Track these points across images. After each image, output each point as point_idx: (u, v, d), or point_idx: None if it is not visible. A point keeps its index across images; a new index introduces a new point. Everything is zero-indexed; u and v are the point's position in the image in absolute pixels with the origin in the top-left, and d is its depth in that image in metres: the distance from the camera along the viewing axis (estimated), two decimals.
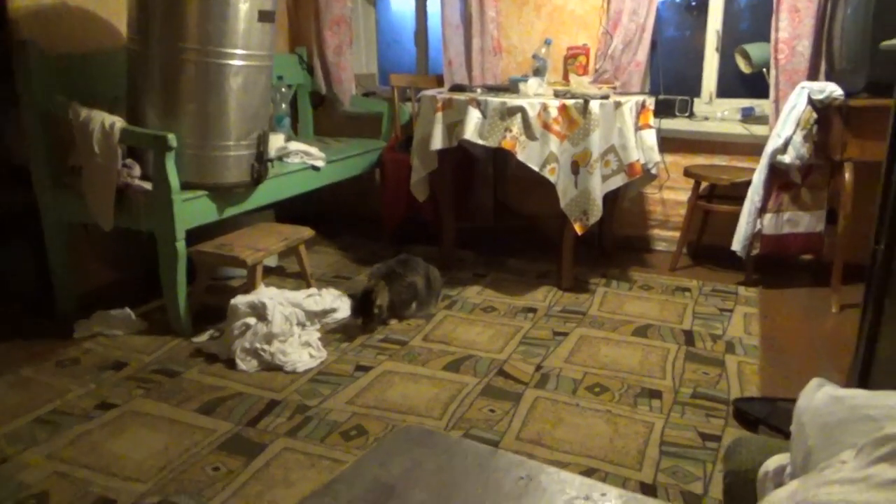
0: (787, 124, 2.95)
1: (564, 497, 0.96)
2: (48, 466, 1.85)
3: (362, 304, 2.67)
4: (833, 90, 2.82)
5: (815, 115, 2.90)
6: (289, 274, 3.38)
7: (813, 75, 3.16)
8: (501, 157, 3.84)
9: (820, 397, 0.90)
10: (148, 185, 2.57)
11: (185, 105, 2.58)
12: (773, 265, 3.41)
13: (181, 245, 2.56)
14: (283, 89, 3.79)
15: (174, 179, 2.50)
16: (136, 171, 2.63)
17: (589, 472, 1.84)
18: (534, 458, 1.79)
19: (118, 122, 2.53)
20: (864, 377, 1.73)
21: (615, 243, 3.74)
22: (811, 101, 2.88)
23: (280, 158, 3.25)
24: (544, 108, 2.84)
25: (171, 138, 2.46)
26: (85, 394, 2.24)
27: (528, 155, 2.86)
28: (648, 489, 1.78)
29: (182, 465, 1.86)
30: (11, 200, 2.88)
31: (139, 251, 3.13)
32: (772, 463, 0.94)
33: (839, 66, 2.95)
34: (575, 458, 1.91)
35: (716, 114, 3.56)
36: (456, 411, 2.14)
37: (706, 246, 3.63)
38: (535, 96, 3.02)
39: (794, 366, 2.47)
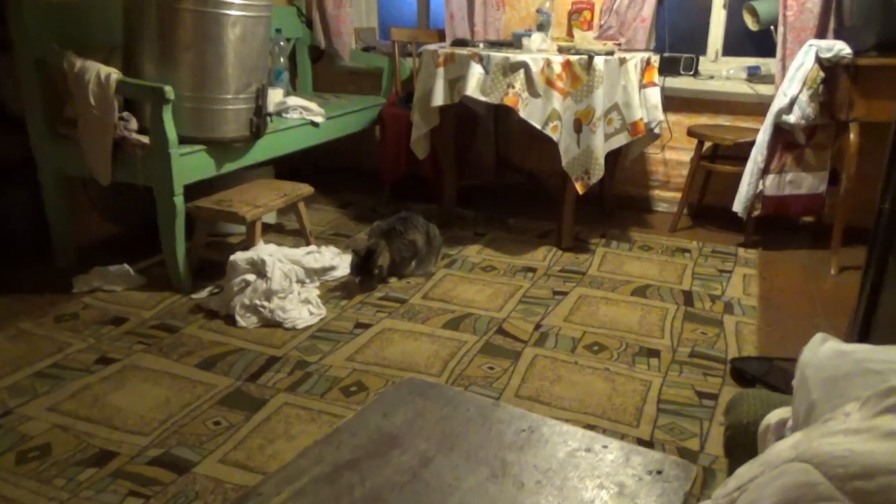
0: (793, 83, 2.91)
1: (566, 448, 0.97)
2: (49, 419, 1.86)
3: (363, 263, 2.66)
4: (841, 48, 2.77)
5: (822, 74, 2.85)
6: (288, 231, 3.37)
7: (821, 33, 3.10)
8: (503, 114, 3.79)
9: (824, 351, 0.89)
10: (145, 139, 2.53)
11: (182, 56, 2.53)
12: (774, 226, 3.40)
13: (179, 200, 2.54)
14: (282, 43, 3.71)
15: (171, 133, 2.47)
16: (133, 124, 2.59)
17: (587, 429, 1.86)
18: None
19: (114, 74, 2.48)
20: (863, 336, 1.73)
21: (616, 203, 3.72)
22: (819, 60, 2.83)
23: (279, 113, 3.20)
24: (548, 63, 2.79)
25: (168, 90, 2.42)
26: (85, 348, 2.24)
27: (531, 112, 2.82)
28: (646, 445, 1.80)
29: (183, 419, 1.87)
30: (7, 151, 2.85)
31: (138, 205, 3.11)
32: (773, 416, 0.94)
33: (849, 23, 2.90)
34: (573, 415, 1.92)
35: (721, 72, 3.51)
36: (455, 368, 2.16)
37: (707, 207, 3.61)
38: (539, 52, 2.96)
39: (792, 326, 2.48)
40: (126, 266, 2.73)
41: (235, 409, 1.92)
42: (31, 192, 2.85)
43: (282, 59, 3.69)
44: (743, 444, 0.99)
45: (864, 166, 2.82)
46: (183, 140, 2.54)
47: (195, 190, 2.68)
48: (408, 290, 2.72)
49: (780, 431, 0.92)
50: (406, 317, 2.49)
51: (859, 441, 0.66)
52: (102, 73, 2.48)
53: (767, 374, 2.06)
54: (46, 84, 2.65)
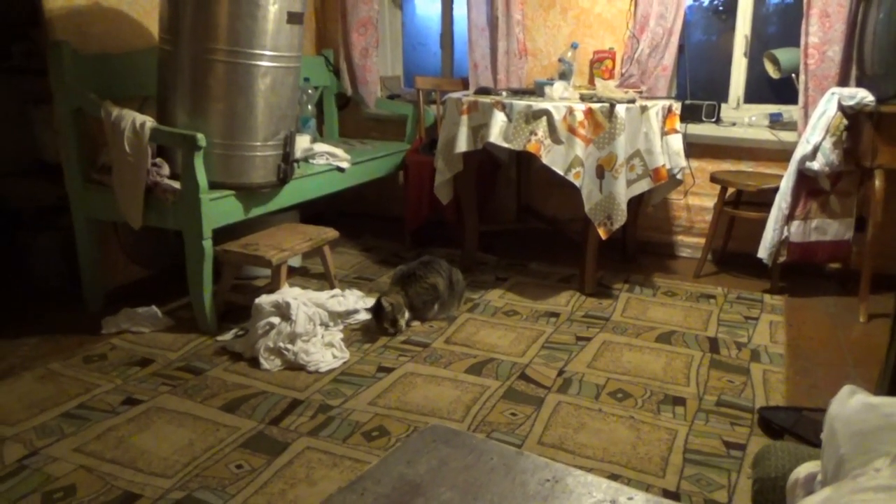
0: (816, 130, 2.91)
1: (591, 500, 0.96)
2: (75, 460, 1.88)
3: (376, 311, 2.69)
4: (864, 96, 2.78)
5: (845, 122, 2.86)
6: (313, 274, 3.41)
7: (843, 81, 3.12)
8: (525, 160, 3.84)
9: (853, 404, 0.89)
10: (176, 184, 2.60)
11: (214, 105, 2.61)
12: (800, 273, 3.36)
13: (208, 244, 2.59)
14: (310, 91, 3.82)
15: (202, 179, 2.53)
16: (165, 169, 2.67)
17: (611, 479, 1.83)
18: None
19: (148, 122, 2.57)
20: (893, 387, 1.70)
21: (639, 248, 3.72)
22: (841, 107, 2.84)
23: (306, 159, 3.27)
24: (570, 111, 2.83)
25: (200, 138, 2.49)
26: (112, 389, 2.27)
27: (553, 159, 2.85)
28: (672, 497, 1.77)
29: (206, 462, 1.88)
30: (42, 197, 2.94)
31: (166, 249, 3.17)
32: (802, 470, 0.93)
33: (870, 71, 2.91)
34: (597, 464, 1.89)
35: (743, 119, 3.53)
36: (478, 414, 2.14)
37: (731, 253, 3.59)
38: (561, 100, 3.01)
39: (821, 375, 2.43)
40: (154, 308, 2.77)
41: (258, 453, 1.92)
42: (62, 237, 2.93)
43: (309, 107, 3.79)
44: (771, 499, 0.97)
45: (890, 213, 2.80)
46: (212, 185, 2.60)
47: (223, 234, 2.74)
48: (430, 334, 2.73)
49: (810, 486, 0.90)
50: (428, 361, 2.49)
51: (890, 499, 0.65)
52: (137, 121, 2.56)
53: (796, 425, 2.02)
54: (82, 133, 2.74)
